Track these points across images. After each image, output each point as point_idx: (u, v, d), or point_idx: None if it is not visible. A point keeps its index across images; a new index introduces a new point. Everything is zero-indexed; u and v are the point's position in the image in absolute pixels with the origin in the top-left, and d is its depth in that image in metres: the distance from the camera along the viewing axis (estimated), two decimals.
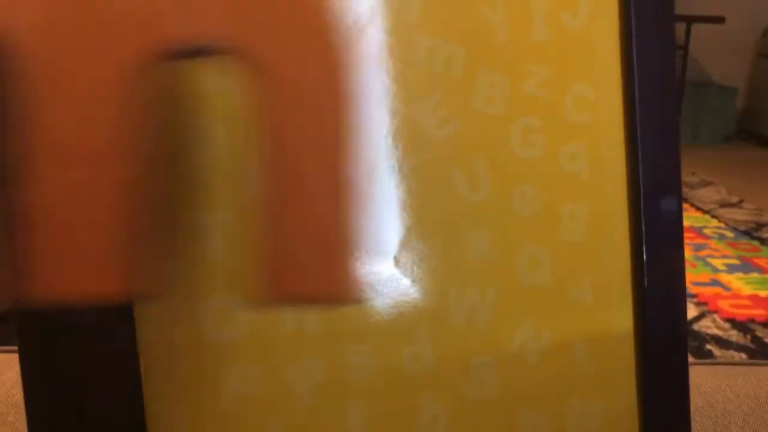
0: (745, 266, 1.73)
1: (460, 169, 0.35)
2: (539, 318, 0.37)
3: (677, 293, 0.40)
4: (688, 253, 1.72)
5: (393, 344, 0.35)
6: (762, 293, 1.57)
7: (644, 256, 0.39)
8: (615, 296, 0.39)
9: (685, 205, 2.14)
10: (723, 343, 1.28)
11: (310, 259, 0.21)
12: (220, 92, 0.31)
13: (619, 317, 0.39)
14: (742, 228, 2.03)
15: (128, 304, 0.31)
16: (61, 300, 0.21)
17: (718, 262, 1.77)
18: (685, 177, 2.45)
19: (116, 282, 0.20)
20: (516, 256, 0.36)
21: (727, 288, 1.59)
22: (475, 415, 0.36)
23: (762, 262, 1.76)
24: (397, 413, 0.35)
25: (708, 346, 1.25)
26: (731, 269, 1.71)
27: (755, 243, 1.91)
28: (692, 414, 0.41)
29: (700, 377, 0.48)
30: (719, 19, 2.71)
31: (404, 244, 0.35)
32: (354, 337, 0.34)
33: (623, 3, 0.37)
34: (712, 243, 1.90)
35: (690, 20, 2.76)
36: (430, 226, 0.35)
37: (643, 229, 0.39)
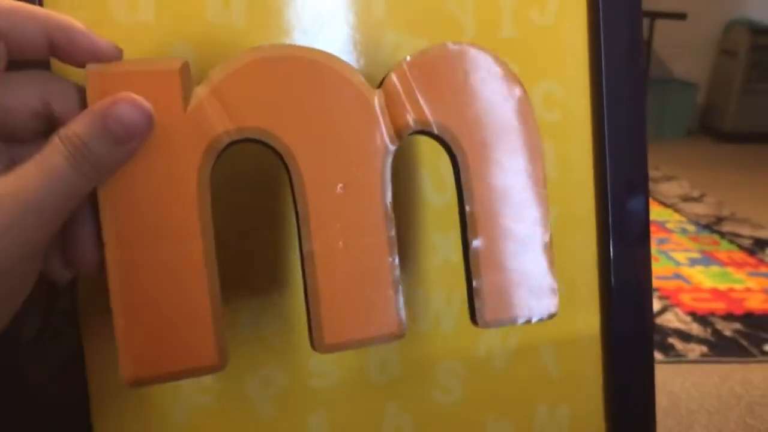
0: (706, 260, 1.76)
1: (427, 171, 0.34)
2: None
3: (643, 293, 0.39)
4: (651, 247, 1.75)
5: (357, 352, 0.33)
6: (721, 287, 1.61)
7: (611, 256, 0.38)
8: (582, 297, 0.38)
9: None
10: (684, 336, 1.30)
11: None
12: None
13: (586, 318, 0.38)
14: (704, 222, 2.07)
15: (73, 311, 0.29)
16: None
17: (680, 256, 1.80)
18: (649, 172, 2.49)
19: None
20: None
21: (688, 282, 1.62)
22: (441, 423, 0.36)
23: (721, 256, 1.80)
24: (360, 423, 0.34)
25: (670, 340, 1.27)
26: (692, 263, 1.74)
27: (715, 237, 1.94)
28: (657, 414, 0.41)
29: (665, 376, 0.49)
30: (681, 16, 2.75)
31: None
32: None
33: (591, 0, 0.37)
34: (675, 237, 1.93)
35: (653, 16, 2.79)
36: (395, 227, 0.34)
37: (611, 230, 0.38)
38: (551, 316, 0.28)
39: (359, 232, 0.25)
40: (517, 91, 0.27)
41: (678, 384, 0.48)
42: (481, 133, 0.26)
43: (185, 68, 0.23)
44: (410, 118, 0.25)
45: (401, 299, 0.25)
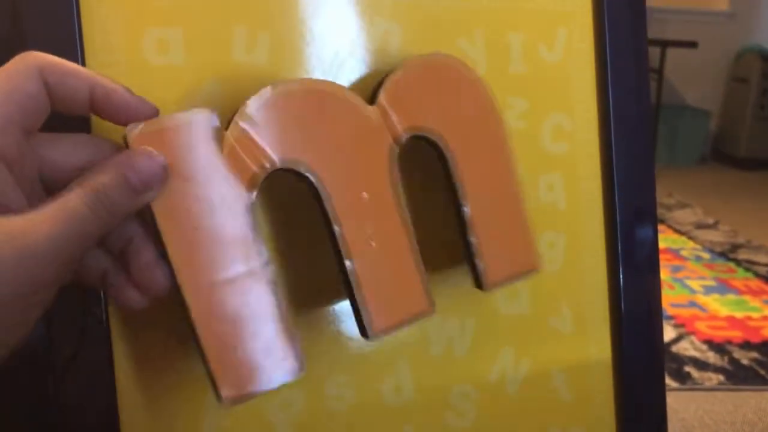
0: (722, 287, 1.75)
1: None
2: (518, 347, 0.37)
3: (654, 319, 0.40)
4: (665, 275, 1.74)
5: (373, 376, 0.34)
6: (738, 314, 1.59)
7: (621, 284, 0.39)
8: (593, 324, 0.39)
9: (662, 227, 2.16)
10: (701, 364, 1.29)
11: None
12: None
13: (597, 344, 0.39)
14: (718, 249, 2.05)
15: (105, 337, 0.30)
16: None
17: (695, 284, 1.79)
18: (662, 198, 2.48)
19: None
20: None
21: (704, 309, 1.61)
22: None
23: (737, 284, 1.78)
24: None
25: (686, 368, 1.26)
26: (708, 291, 1.73)
27: (731, 264, 1.93)
28: None
29: (679, 403, 0.49)
30: (692, 44, 2.78)
31: None
32: (333, 369, 0.34)
33: (598, 37, 0.38)
34: (689, 264, 1.92)
35: (664, 44, 2.82)
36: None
37: (620, 258, 0.39)
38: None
39: (385, 228, 0.29)
40: (477, 88, 0.32)
41: (691, 411, 0.48)
42: (462, 130, 0.32)
43: (214, 116, 0.26)
44: (401, 127, 0.30)
45: (426, 279, 0.30)
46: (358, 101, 0.29)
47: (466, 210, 0.31)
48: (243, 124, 0.26)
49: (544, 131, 0.38)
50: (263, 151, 0.27)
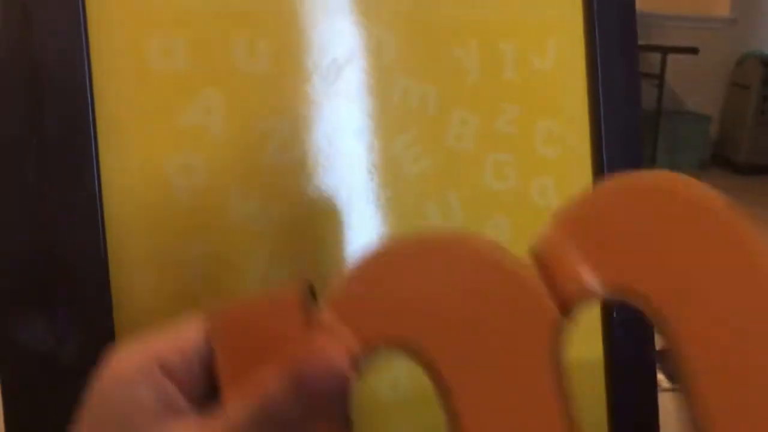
0: None
1: (434, 202, 0.36)
2: None
3: (645, 321, 0.41)
4: None
5: (370, 373, 0.35)
6: None
7: None
8: (585, 326, 0.40)
9: None
10: None
11: None
12: None
13: (588, 346, 0.40)
14: None
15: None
16: None
17: None
18: None
19: None
20: None
21: None
22: None
23: None
24: None
25: None
26: None
27: None
28: None
29: (672, 404, 0.49)
30: (693, 50, 2.79)
31: None
32: None
33: (589, 46, 0.39)
34: None
35: (665, 51, 2.83)
36: None
37: None
38: None
39: None
40: (734, 227, 0.20)
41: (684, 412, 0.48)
42: (684, 293, 0.19)
43: (304, 294, 0.20)
44: (572, 286, 0.19)
45: None
46: (499, 254, 0.20)
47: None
48: (329, 314, 0.20)
49: (536, 136, 0.38)
50: (359, 331, 0.20)
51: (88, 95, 0.29)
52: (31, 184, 0.29)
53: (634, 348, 0.40)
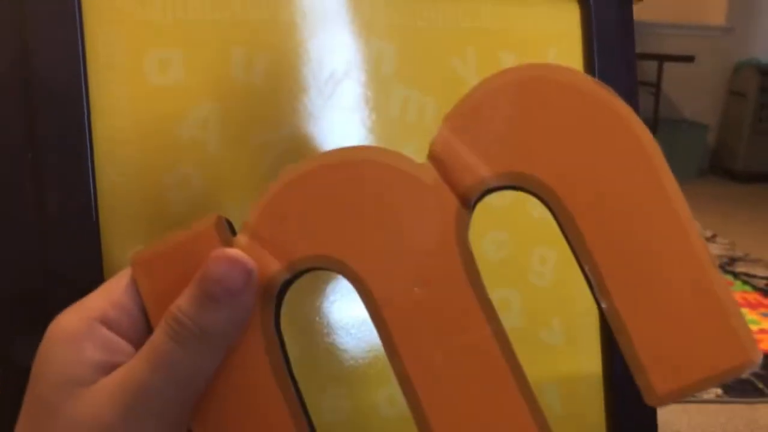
0: None
1: None
2: None
3: None
4: None
5: (368, 387, 0.35)
6: None
7: None
8: (584, 338, 0.40)
9: None
10: None
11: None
12: None
13: (588, 357, 0.40)
14: (717, 263, 2.06)
15: None
16: None
17: None
18: None
19: None
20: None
21: None
22: None
23: (736, 297, 1.78)
24: None
25: None
26: None
27: (729, 277, 1.94)
28: None
29: (672, 415, 0.49)
30: (689, 58, 2.80)
31: None
32: (328, 381, 0.34)
33: (587, 56, 0.39)
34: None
35: (661, 59, 2.84)
36: None
37: None
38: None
39: (455, 333, 0.21)
40: (613, 107, 0.21)
41: (684, 423, 0.48)
42: (574, 175, 0.21)
43: (220, 222, 0.22)
44: (468, 179, 0.21)
45: (534, 398, 0.21)
46: (397, 159, 0.21)
47: (605, 305, 0.21)
48: (251, 228, 0.22)
49: None
50: (277, 252, 0.21)
51: (84, 108, 0.29)
52: (26, 196, 0.29)
53: None
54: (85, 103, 0.29)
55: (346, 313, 0.34)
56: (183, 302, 0.20)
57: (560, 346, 0.39)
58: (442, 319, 0.21)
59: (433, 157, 0.21)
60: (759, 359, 0.20)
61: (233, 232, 0.22)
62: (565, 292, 0.39)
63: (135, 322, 0.22)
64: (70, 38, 0.29)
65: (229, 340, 0.21)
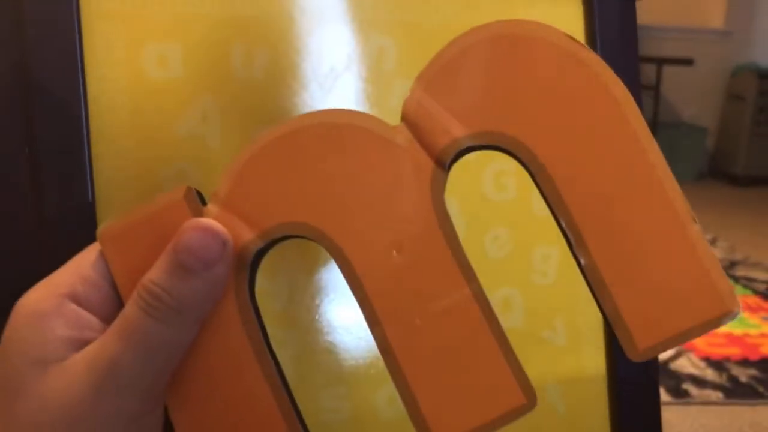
0: None
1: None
2: None
3: None
4: None
5: (368, 387, 0.35)
6: (736, 331, 1.59)
7: None
8: (587, 337, 0.39)
9: None
10: (699, 382, 1.29)
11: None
12: None
13: (591, 358, 0.39)
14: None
15: None
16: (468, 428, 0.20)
17: None
18: None
19: (517, 396, 0.21)
20: (489, 299, 0.36)
21: None
22: None
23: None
24: None
25: (684, 386, 1.25)
26: None
27: (729, 281, 1.93)
28: None
29: (675, 417, 0.49)
30: (688, 62, 2.80)
31: None
32: (328, 381, 0.34)
33: None
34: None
35: (660, 62, 2.84)
36: None
37: None
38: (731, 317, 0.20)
39: (435, 297, 0.20)
40: (585, 61, 0.20)
41: (687, 425, 0.47)
42: (548, 131, 0.20)
43: (190, 193, 0.21)
44: (443, 140, 0.21)
45: (516, 359, 0.21)
46: (368, 122, 0.21)
47: (584, 262, 0.20)
48: (221, 198, 0.21)
49: None
50: (250, 221, 0.21)
51: (82, 104, 0.29)
52: (23, 194, 0.29)
53: (637, 366, 0.40)
54: (82, 99, 0.29)
55: (345, 312, 0.34)
56: (156, 274, 0.20)
57: (563, 346, 0.38)
58: (422, 282, 0.21)
59: (407, 119, 0.21)
60: (738, 310, 0.20)
61: (203, 203, 0.22)
62: (568, 291, 0.39)
63: (105, 297, 0.21)
64: (67, 33, 0.28)
65: (204, 312, 0.20)
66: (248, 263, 0.21)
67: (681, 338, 0.20)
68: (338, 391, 0.34)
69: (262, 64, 0.32)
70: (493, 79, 0.21)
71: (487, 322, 0.21)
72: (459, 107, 0.21)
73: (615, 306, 0.20)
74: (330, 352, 0.34)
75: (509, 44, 0.21)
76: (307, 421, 0.25)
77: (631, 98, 0.21)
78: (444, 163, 0.21)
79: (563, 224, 0.21)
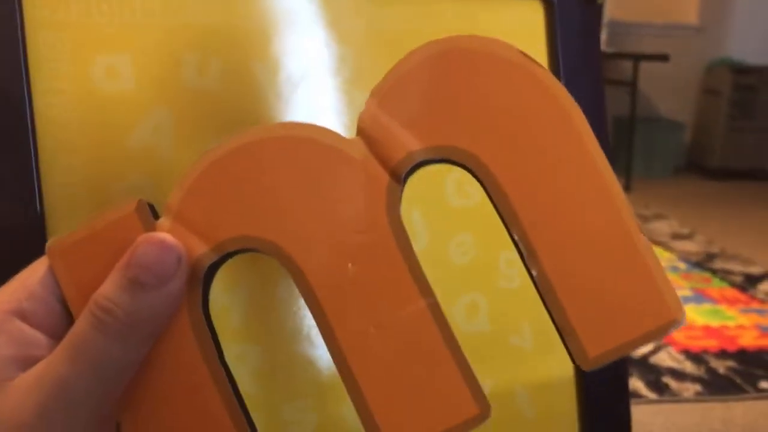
0: (698, 297, 1.77)
1: None
2: (480, 366, 0.36)
3: None
4: None
5: (333, 398, 0.34)
6: (714, 324, 1.61)
7: None
8: (555, 341, 0.39)
9: None
10: (678, 375, 1.30)
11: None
12: None
13: (559, 362, 0.39)
14: (694, 259, 2.08)
15: None
16: None
17: None
18: (639, 210, 2.51)
19: (471, 407, 0.21)
20: (454, 305, 0.36)
21: None
22: None
23: (713, 293, 1.80)
24: None
25: (664, 379, 1.26)
26: (685, 301, 1.75)
27: (707, 274, 1.95)
28: None
29: (646, 416, 0.49)
30: (664, 57, 2.83)
31: None
32: (291, 394, 0.33)
33: (552, 56, 0.39)
34: (666, 275, 1.95)
35: (637, 58, 2.86)
36: None
37: None
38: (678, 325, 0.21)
39: (391, 308, 0.20)
40: (534, 74, 0.21)
41: (659, 423, 0.48)
42: (501, 144, 0.21)
43: (142, 206, 0.21)
44: (398, 154, 0.21)
45: (470, 370, 0.21)
46: (324, 136, 0.21)
47: (535, 273, 0.21)
48: (173, 211, 0.21)
49: None
50: (203, 234, 0.21)
51: (28, 117, 0.28)
52: None
53: (606, 368, 0.39)
54: (28, 114, 0.28)
55: (306, 324, 0.33)
56: (108, 289, 0.19)
57: (531, 350, 0.38)
58: (376, 295, 0.21)
59: (362, 133, 0.21)
60: (683, 318, 0.21)
61: (156, 216, 0.21)
62: (534, 295, 0.38)
63: (53, 314, 0.20)
64: (10, 45, 0.28)
65: (157, 328, 0.20)
66: (201, 277, 0.21)
67: (630, 346, 0.21)
68: (302, 404, 0.34)
69: (215, 74, 0.31)
70: (447, 93, 0.21)
71: (442, 334, 0.21)
72: (413, 121, 0.21)
73: (565, 316, 0.21)
74: (292, 365, 0.33)
75: (463, 59, 0.21)
76: None
77: (581, 113, 0.21)
78: (399, 176, 0.21)
79: (515, 236, 0.21)
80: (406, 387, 0.20)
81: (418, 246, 0.35)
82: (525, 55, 0.21)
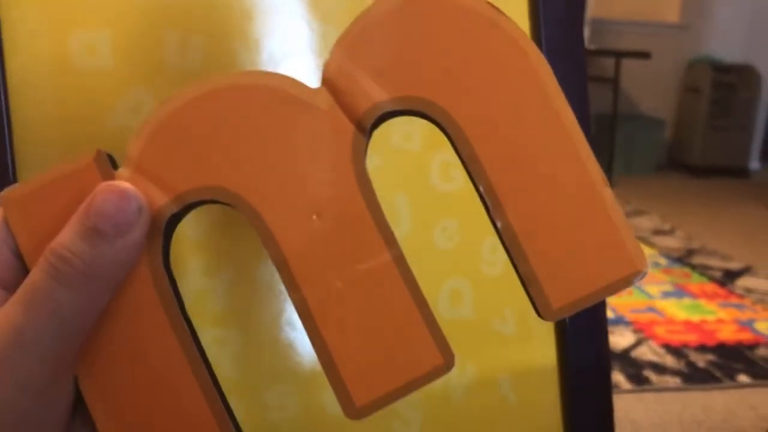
0: (678, 292, 1.79)
1: (381, 205, 0.35)
2: (463, 352, 0.37)
3: (599, 322, 0.40)
4: None
5: (315, 384, 0.34)
6: (694, 318, 1.63)
7: None
8: (538, 328, 0.39)
9: None
10: (659, 368, 1.31)
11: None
12: None
13: (542, 348, 0.39)
14: (675, 255, 2.10)
15: None
16: (388, 394, 0.20)
17: (653, 289, 1.82)
18: (620, 206, 2.53)
19: (436, 357, 0.21)
20: (437, 291, 0.36)
21: (661, 314, 1.64)
22: None
23: (693, 288, 1.82)
24: None
25: (645, 372, 1.27)
26: (665, 295, 1.77)
27: (687, 269, 1.98)
28: None
29: (629, 405, 0.49)
30: (645, 55, 2.85)
31: None
32: (274, 379, 0.33)
33: (534, 29, 0.39)
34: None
35: (619, 55, 2.89)
36: None
37: None
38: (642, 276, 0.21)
39: (354, 261, 0.20)
40: (501, 26, 0.21)
41: (641, 412, 0.48)
42: (466, 95, 0.21)
43: (101, 156, 0.20)
44: (364, 104, 0.20)
45: (435, 321, 0.21)
46: (286, 83, 0.20)
47: (500, 224, 0.21)
48: (133, 161, 0.20)
49: None
50: (163, 184, 0.20)
51: (2, 95, 0.27)
52: None
53: (589, 349, 0.40)
54: (2, 91, 0.27)
55: (290, 306, 0.33)
56: (66, 238, 0.19)
57: (513, 336, 0.38)
58: (341, 247, 0.20)
59: (327, 82, 0.21)
60: (646, 269, 0.21)
61: (115, 167, 0.21)
62: (517, 280, 0.38)
63: (6, 265, 0.20)
64: None
65: (116, 279, 0.19)
66: (162, 228, 0.20)
67: (593, 297, 0.21)
68: (284, 389, 0.33)
69: (197, 53, 0.31)
70: (412, 43, 0.21)
71: (407, 286, 0.21)
72: (379, 71, 0.21)
73: (530, 267, 0.21)
74: (274, 350, 0.33)
75: (430, 8, 0.21)
76: (253, 420, 0.23)
77: (546, 63, 0.21)
78: (365, 127, 0.21)
79: (480, 188, 0.21)
80: (370, 340, 0.20)
81: (402, 231, 0.35)
82: (493, 6, 0.21)
